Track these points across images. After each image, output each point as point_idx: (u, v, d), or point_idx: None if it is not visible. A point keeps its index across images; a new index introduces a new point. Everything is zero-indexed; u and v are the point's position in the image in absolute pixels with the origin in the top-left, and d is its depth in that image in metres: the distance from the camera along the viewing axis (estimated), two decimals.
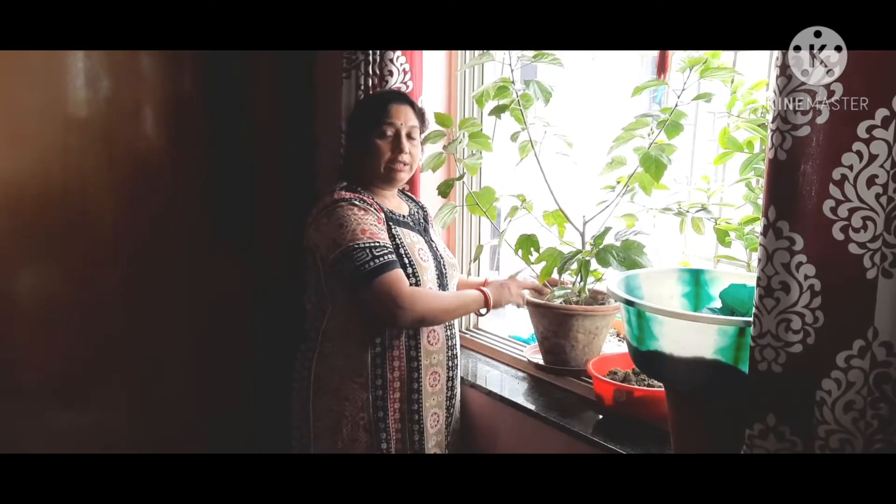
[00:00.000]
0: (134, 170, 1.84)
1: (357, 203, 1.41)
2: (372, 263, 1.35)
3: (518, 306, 1.58)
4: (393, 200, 1.56)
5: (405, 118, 1.49)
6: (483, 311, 1.50)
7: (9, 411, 1.73)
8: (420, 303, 1.37)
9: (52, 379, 1.78)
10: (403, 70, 1.67)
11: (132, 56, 1.80)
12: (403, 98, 1.53)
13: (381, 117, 1.46)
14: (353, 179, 1.52)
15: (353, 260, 1.35)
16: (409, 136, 1.49)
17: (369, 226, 1.39)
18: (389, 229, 1.45)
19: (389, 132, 1.47)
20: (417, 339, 1.49)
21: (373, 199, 1.48)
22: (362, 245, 1.36)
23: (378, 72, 1.66)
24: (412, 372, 1.49)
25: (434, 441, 1.55)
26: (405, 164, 1.49)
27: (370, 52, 1.66)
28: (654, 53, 1.46)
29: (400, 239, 1.46)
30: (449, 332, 1.56)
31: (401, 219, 1.52)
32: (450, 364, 1.56)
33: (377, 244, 1.37)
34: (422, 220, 1.61)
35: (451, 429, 1.60)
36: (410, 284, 1.43)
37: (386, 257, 1.37)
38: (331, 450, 1.47)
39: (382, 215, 1.45)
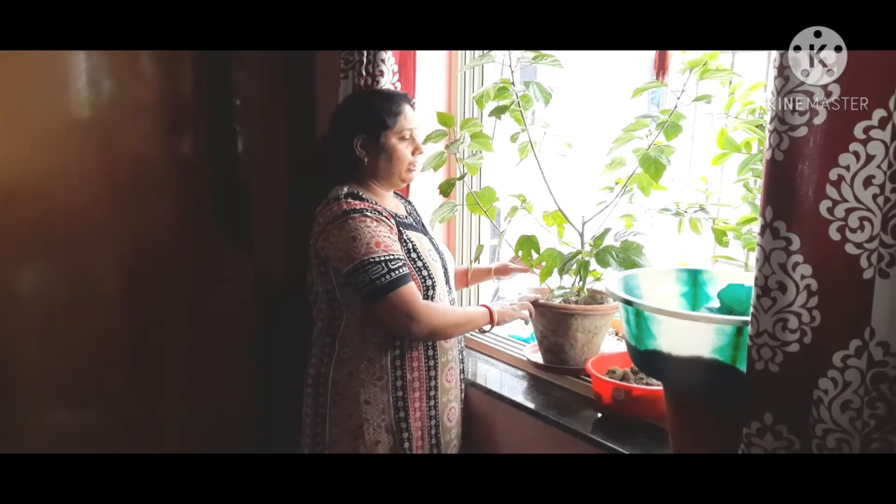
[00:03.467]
0: (135, 170, 1.84)
1: (369, 213, 1.40)
2: (388, 277, 1.35)
3: (526, 322, 1.58)
4: (391, 201, 1.56)
5: (416, 121, 1.51)
6: (487, 327, 1.51)
7: (9, 411, 1.73)
8: (434, 317, 1.39)
9: (52, 379, 1.78)
10: (393, 71, 1.68)
11: (133, 56, 1.81)
12: (410, 99, 1.54)
13: (400, 120, 1.47)
14: (356, 182, 1.49)
15: (368, 273, 1.35)
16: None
17: (383, 238, 1.38)
18: (401, 235, 1.45)
19: (408, 135, 1.49)
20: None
21: (379, 203, 1.47)
22: (378, 259, 1.35)
23: (371, 71, 1.67)
24: (430, 370, 1.50)
25: (453, 433, 1.57)
26: (416, 166, 1.52)
27: (365, 52, 1.66)
28: (654, 54, 1.46)
29: (412, 243, 1.46)
30: None
31: (406, 221, 1.52)
32: (461, 357, 1.59)
33: (392, 257, 1.37)
34: (419, 217, 1.63)
35: (462, 417, 1.62)
36: (427, 286, 1.44)
37: (401, 270, 1.37)
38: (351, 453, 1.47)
39: (394, 223, 1.44)
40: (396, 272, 1.36)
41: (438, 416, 1.52)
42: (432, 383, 1.50)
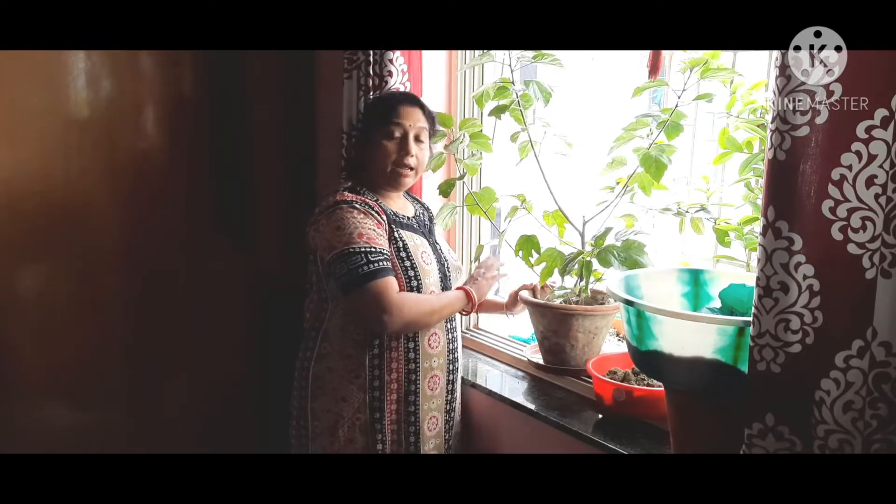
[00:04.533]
0: (134, 170, 1.84)
1: (358, 206, 1.41)
2: (365, 268, 1.35)
3: (506, 303, 1.61)
4: (398, 202, 1.56)
5: (413, 120, 1.47)
6: (468, 307, 1.51)
7: (9, 411, 1.73)
8: (406, 309, 1.38)
9: (52, 379, 1.78)
10: (402, 71, 1.68)
11: (133, 56, 1.80)
12: (413, 100, 1.52)
13: (390, 118, 1.46)
14: (358, 179, 1.51)
15: (346, 263, 1.36)
16: (417, 139, 1.48)
17: (367, 230, 1.39)
18: (392, 232, 1.45)
19: (397, 133, 1.46)
20: (417, 342, 1.48)
21: (376, 200, 1.48)
22: (357, 249, 1.36)
23: (378, 72, 1.66)
24: (410, 374, 1.48)
25: (433, 444, 1.55)
26: (411, 168, 1.48)
27: (371, 52, 1.66)
28: (649, 52, 1.46)
29: (403, 241, 1.45)
30: (451, 336, 1.56)
31: (404, 221, 1.51)
32: (450, 368, 1.56)
33: (372, 249, 1.37)
34: (427, 222, 1.60)
35: (451, 432, 1.60)
36: (412, 287, 1.43)
37: (379, 263, 1.36)
38: (327, 450, 1.48)
39: (385, 218, 1.44)
40: (375, 265, 1.36)
41: (418, 423, 1.50)
42: (412, 387, 1.49)
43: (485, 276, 1.57)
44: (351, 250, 1.36)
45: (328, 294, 1.47)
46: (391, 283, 1.37)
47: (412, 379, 1.49)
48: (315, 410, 1.49)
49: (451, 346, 1.56)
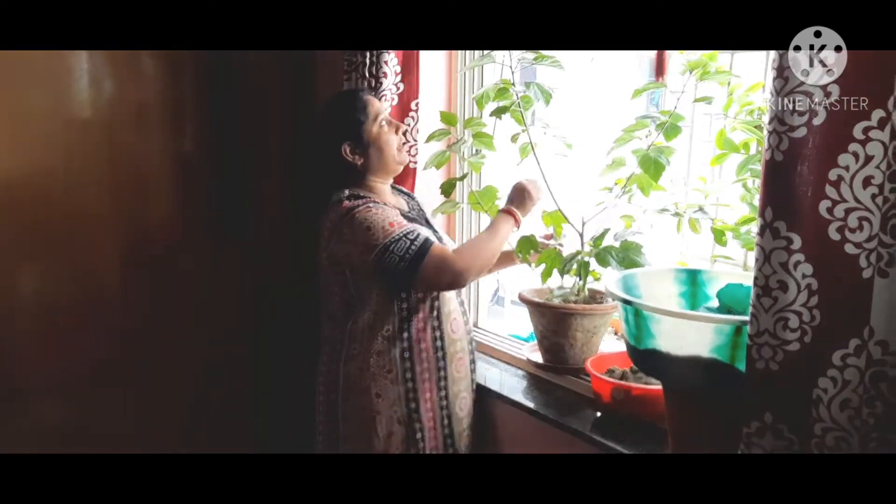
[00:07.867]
0: (135, 170, 1.84)
1: (372, 204, 1.44)
2: (413, 247, 1.38)
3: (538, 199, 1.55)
4: (392, 198, 1.58)
5: (380, 104, 1.54)
6: (516, 228, 1.52)
7: (9, 411, 1.73)
8: (470, 258, 1.41)
9: (52, 379, 1.78)
10: (395, 72, 1.69)
11: (134, 56, 1.81)
12: (365, 90, 1.59)
13: (370, 111, 1.50)
14: (354, 184, 1.51)
15: (395, 253, 1.38)
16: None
17: (393, 217, 1.42)
18: None
19: (384, 121, 1.52)
20: (442, 330, 1.52)
21: (380, 199, 1.49)
22: (397, 236, 1.38)
23: (374, 73, 1.67)
24: (439, 361, 1.52)
25: (465, 423, 1.58)
26: (405, 146, 1.56)
27: (369, 53, 1.67)
28: (653, 55, 1.47)
29: None
30: (465, 318, 1.60)
31: (409, 214, 1.54)
32: (470, 348, 1.60)
33: (409, 230, 1.40)
34: (421, 211, 1.64)
35: (475, 408, 1.63)
36: None
37: (421, 237, 1.40)
38: (366, 448, 1.49)
39: (398, 212, 1.48)
40: (418, 240, 1.39)
41: (450, 406, 1.54)
42: (442, 374, 1.53)
43: (526, 191, 1.53)
44: (392, 240, 1.38)
45: (356, 296, 1.48)
46: (439, 248, 1.40)
47: (441, 366, 1.52)
48: (347, 411, 1.50)
49: (467, 328, 1.59)
